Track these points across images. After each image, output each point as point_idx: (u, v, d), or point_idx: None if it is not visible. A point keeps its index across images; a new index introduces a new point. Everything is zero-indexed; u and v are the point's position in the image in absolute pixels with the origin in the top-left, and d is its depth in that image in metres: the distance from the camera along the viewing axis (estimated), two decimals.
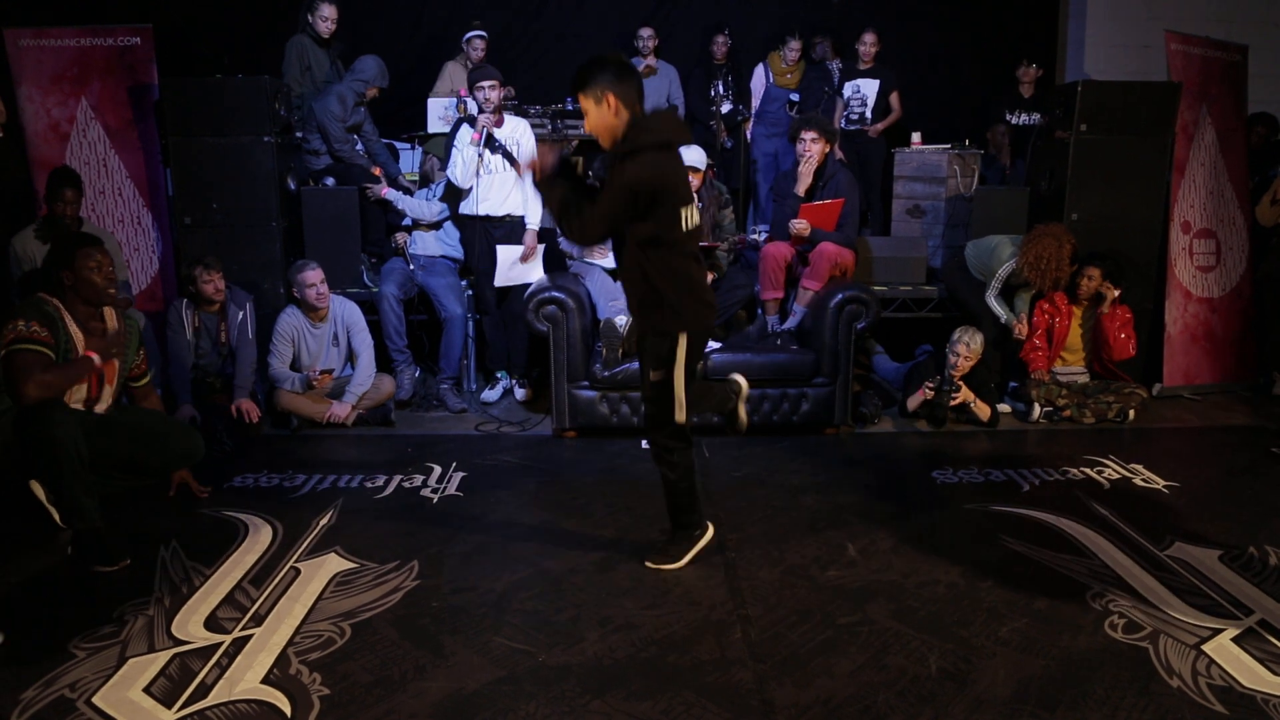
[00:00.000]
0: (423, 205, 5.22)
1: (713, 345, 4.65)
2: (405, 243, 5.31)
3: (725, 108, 6.65)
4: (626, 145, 2.70)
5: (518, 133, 4.96)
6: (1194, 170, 5.37)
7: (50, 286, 3.29)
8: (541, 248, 5.06)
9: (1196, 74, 5.33)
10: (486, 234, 4.98)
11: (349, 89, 5.37)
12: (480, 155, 4.83)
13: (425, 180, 5.78)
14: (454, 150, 4.91)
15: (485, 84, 4.79)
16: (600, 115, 2.73)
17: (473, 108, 4.91)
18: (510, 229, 4.99)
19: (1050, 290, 4.79)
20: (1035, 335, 4.86)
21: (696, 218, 2.87)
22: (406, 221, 5.33)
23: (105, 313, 3.40)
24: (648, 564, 3.09)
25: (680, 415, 2.92)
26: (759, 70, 6.81)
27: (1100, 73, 6.75)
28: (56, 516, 3.30)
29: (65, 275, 3.25)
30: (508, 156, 4.91)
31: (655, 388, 2.92)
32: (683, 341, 2.87)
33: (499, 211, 4.95)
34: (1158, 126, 5.12)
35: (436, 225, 5.25)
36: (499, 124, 4.90)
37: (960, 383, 4.62)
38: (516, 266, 4.95)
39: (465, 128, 4.92)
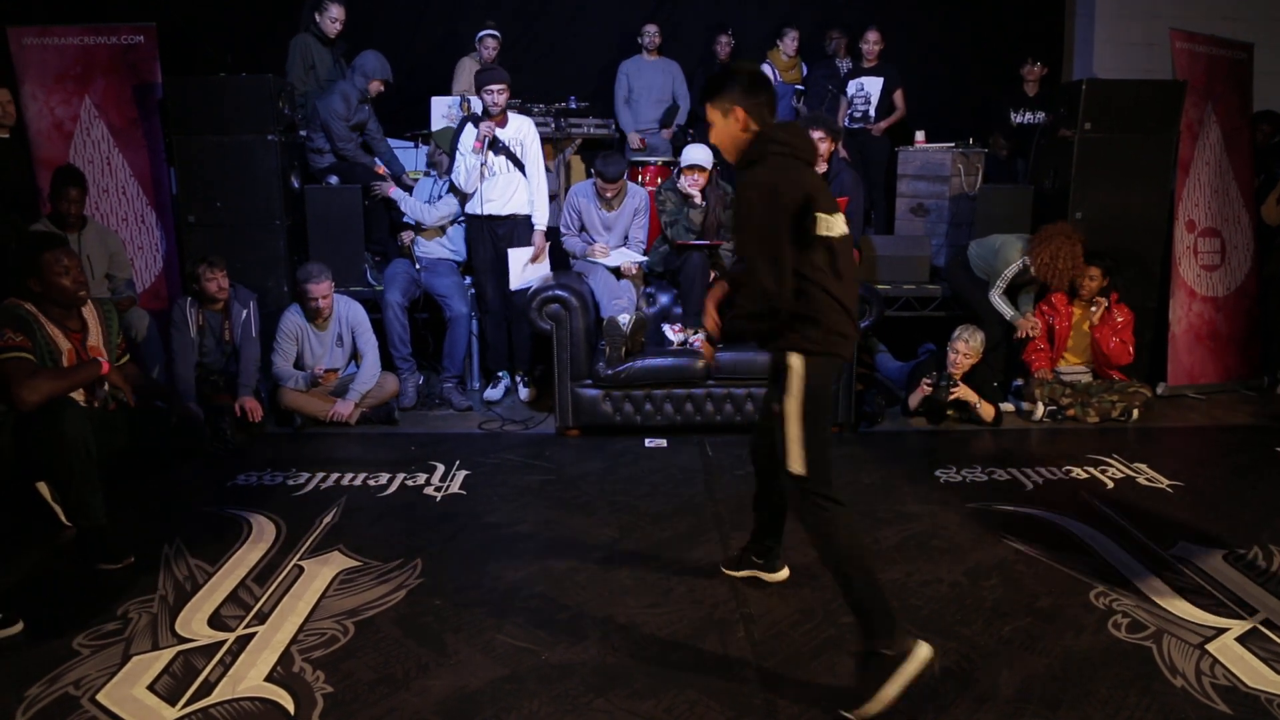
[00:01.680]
0: (426, 210, 5.18)
1: (692, 339, 4.64)
2: (411, 241, 5.31)
3: None
4: (751, 154, 2.54)
5: (521, 132, 4.94)
6: (1199, 169, 5.36)
7: (20, 292, 3.22)
8: (547, 245, 5.07)
9: (1202, 72, 5.31)
10: (491, 233, 4.99)
11: (352, 86, 5.36)
12: (483, 161, 4.83)
13: (435, 167, 5.73)
14: (458, 155, 4.91)
15: (494, 87, 4.76)
16: (726, 128, 2.58)
17: (476, 106, 4.90)
18: (513, 227, 4.99)
19: (1062, 289, 4.78)
20: (1037, 336, 4.86)
21: (843, 227, 2.46)
22: (410, 219, 5.33)
23: (85, 310, 3.36)
24: (840, 711, 2.29)
25: (795, 465, 2.39)
26: (763, 69, 6.79)
27: (1105, 71, 6.73)
28: (61, 515, 3.31)
29: (33, 283, 3.19)
30: (511, 157, 4.91)
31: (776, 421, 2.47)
32: (798, 365, 2.41)
33: (503, 211, 4.95)
34: (1162, 125, 5.11)
35: (440, 230, 5.24)
36: (502, 124, 4.89)
37: (958, 379, 4.63)
38: (529, 267, 4.96)
39: (469, 130, 4.90)
